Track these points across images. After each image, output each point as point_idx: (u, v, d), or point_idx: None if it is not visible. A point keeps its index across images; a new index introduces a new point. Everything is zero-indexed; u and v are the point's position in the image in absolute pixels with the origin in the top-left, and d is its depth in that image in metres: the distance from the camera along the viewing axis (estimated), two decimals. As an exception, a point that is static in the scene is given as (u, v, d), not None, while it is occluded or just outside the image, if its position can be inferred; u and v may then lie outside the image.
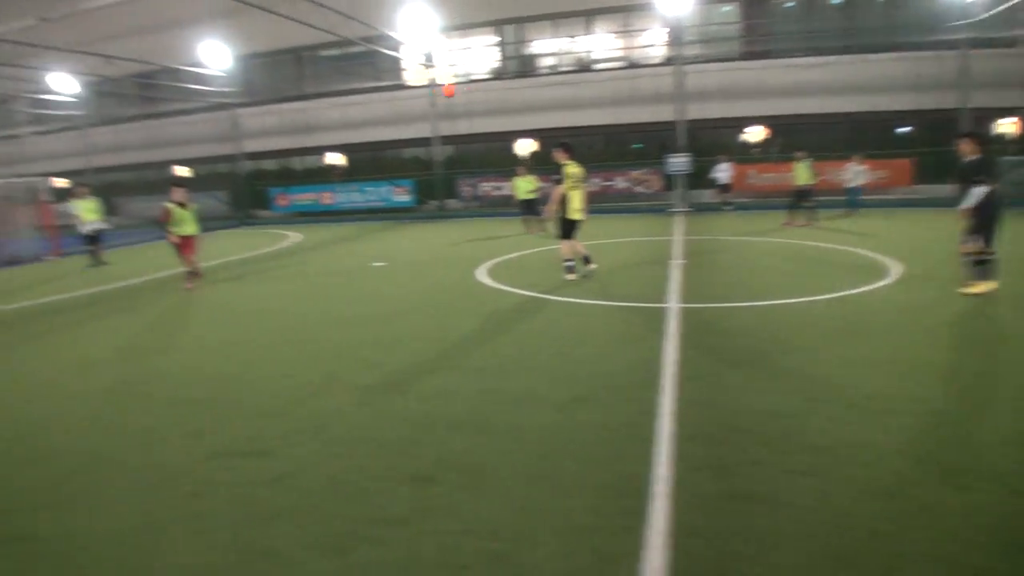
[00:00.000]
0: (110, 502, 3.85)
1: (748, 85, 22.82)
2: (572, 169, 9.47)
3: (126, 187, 32.96)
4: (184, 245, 10.93)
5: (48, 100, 31.06)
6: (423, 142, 26.24)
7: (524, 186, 17.09)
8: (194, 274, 11.10)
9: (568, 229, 9.68)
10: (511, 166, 20.35)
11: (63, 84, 26.15)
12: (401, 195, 25.40)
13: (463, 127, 26.08)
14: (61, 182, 30.20)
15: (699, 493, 3.51)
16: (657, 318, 7.23)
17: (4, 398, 6.01)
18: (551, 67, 25.96)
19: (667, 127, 21.78)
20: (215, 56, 25.47)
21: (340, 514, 3.54)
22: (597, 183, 21.90)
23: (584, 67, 25.40)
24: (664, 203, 21.55)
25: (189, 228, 11.00)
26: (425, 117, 25.23)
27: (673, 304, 7.87)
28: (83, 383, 6.22)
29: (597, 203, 22.06)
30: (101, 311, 9.87)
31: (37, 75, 25.81)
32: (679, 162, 20.47)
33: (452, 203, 25.21)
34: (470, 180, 24.72)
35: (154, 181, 32.44)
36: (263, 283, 11.61)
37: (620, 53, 25.28)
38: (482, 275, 10.75)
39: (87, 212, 15.00)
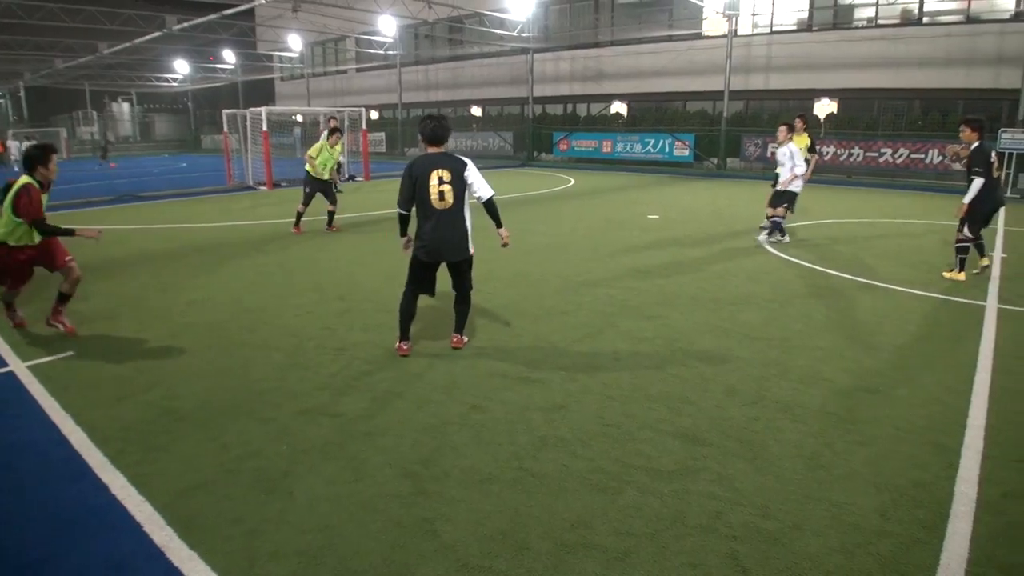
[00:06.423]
0: (402, 397, 4.42)
1: None
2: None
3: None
4: None
5: (372, 40, 35.04)
6: (712, 96, 25.19)
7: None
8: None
9: None
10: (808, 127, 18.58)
11: (387, 26, 29.23)
12: (680, 150, 24.80)
13: (758, 82, 24.51)
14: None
15: (1012, 523, 3.06)
16: (972, 315, 6.31)
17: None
18: (869, 19, 23.11)
19: (1006, 96, 18.45)
20: (519, 2, 26.62)
21: (609, 455, 3.67)
22: (905, 155, 19.44)
23: (909, 20, 22.23)
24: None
25: None
26: (718, 69, 24.12)
27: (992, 303, 6.80)
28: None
29: (903, 178, 19.81)
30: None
31: (367, 17, 29.09)
32: (1017, 139, 17.27)
33: (733, 162, 24.04)
34: (757, 139, 23.28)
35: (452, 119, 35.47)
36: (549, 223, 12.16)
37: (955, 5, 21.61)
38: (762, 239, 10.20)
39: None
